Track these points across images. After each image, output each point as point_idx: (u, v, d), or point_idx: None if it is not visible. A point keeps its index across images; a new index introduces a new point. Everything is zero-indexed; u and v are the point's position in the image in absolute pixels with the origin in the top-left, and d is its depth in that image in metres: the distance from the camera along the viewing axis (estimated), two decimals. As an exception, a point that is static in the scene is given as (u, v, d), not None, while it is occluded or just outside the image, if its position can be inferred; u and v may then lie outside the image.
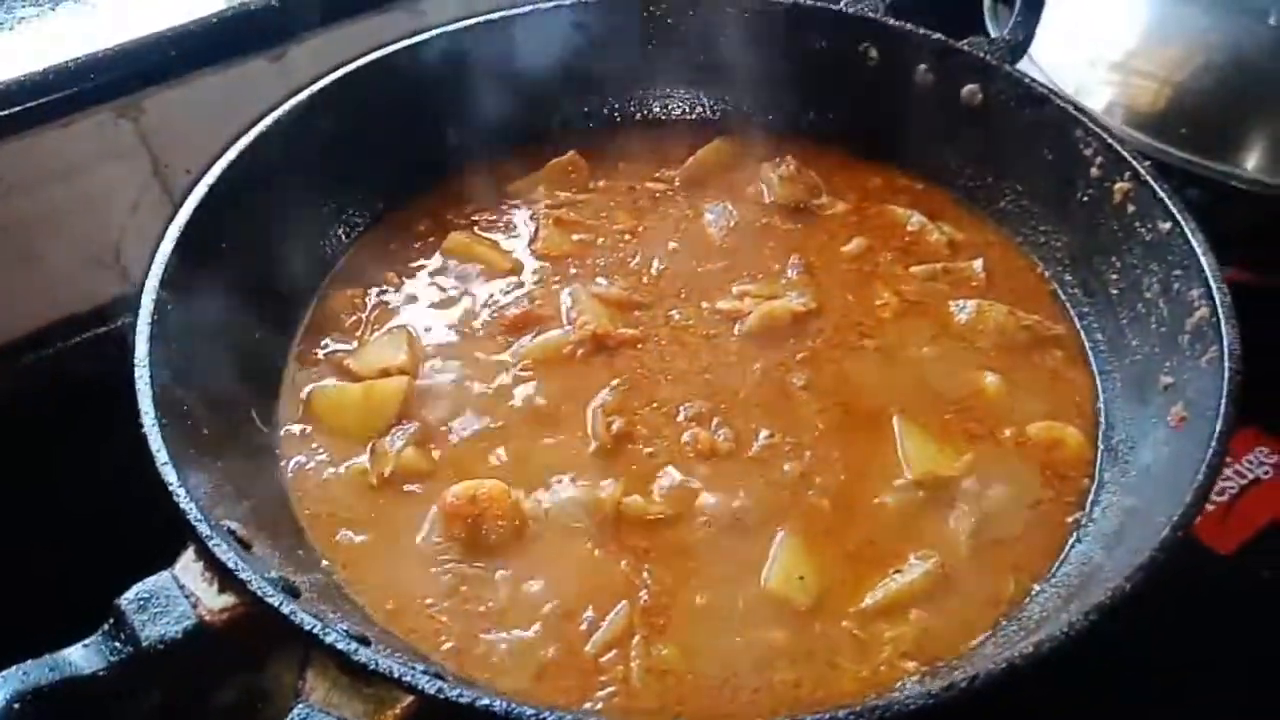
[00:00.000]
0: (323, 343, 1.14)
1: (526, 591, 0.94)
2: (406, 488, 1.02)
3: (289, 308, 1.16)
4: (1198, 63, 1.32)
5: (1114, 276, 1.13)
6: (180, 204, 1.05)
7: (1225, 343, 0.94)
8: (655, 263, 1.23)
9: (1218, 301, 0.97)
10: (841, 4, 1.32)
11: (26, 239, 1.34)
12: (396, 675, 0.73)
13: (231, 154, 1.10)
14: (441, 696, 0.73)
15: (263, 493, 0.98)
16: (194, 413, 0.95)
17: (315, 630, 0.75)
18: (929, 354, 1.13)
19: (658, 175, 1.34)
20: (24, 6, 1.40)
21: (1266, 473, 1.25)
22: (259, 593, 0.77)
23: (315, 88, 1.18)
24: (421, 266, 1.23)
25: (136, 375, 0.90)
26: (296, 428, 1.07)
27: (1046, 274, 1.21)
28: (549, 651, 0.91)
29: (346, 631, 0.77)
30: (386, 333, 1.15)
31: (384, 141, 1.26)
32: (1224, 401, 0.90)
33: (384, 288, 1.20)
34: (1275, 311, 1.06)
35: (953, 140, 1.29)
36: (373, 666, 0.74)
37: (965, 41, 1.27)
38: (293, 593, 0.83)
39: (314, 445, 1.05)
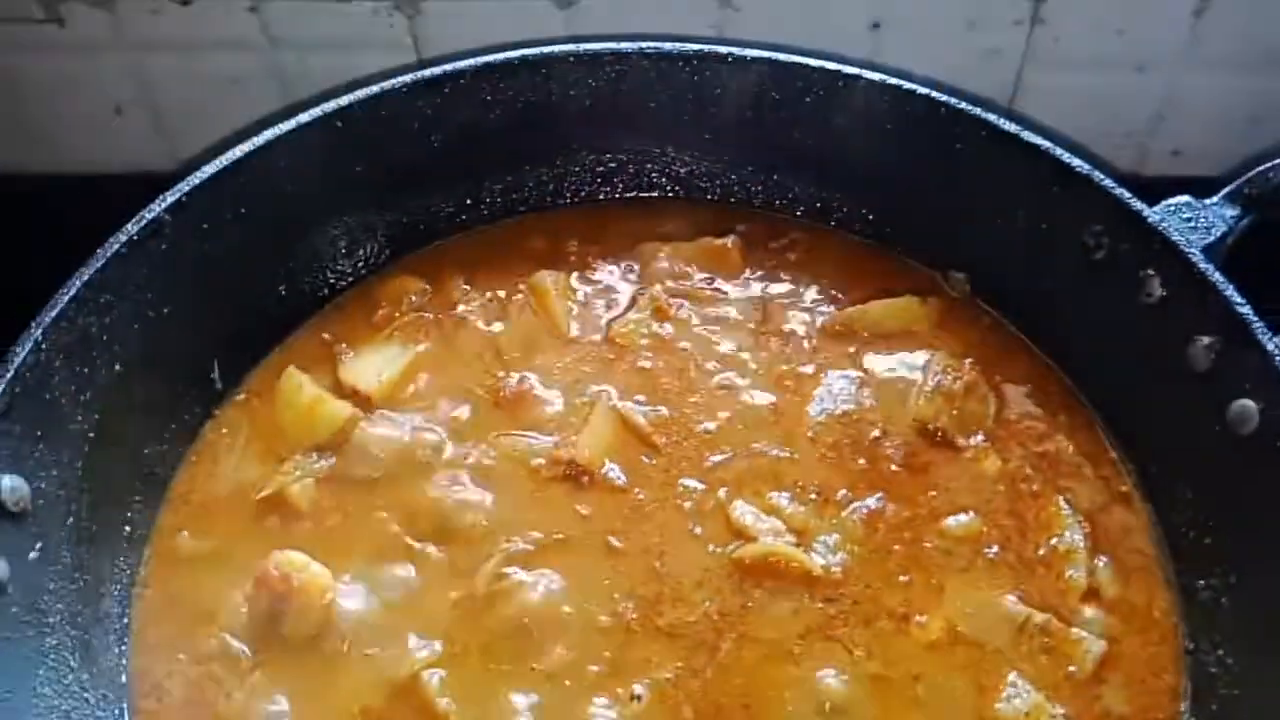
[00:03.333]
0: (340, 325, 1.05)
1: (262, 708, 0.81)
2: (273, 518, 0.92)
3: (337, 275, 1.08)
4: None
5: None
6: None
7: None
8: (720, 413, 0.97)
9: None
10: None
11: (282, 88, 1.39)
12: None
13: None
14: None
15: (142, 464, 0.93)
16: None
17: None
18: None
19: (811, 305, 1.06)
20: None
21: None
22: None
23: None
24: (497, 287, 1.08)
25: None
26: (244, 399, 1.00)
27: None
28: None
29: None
30: (395, 348, 1.03)
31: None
32: None
33: (439, 294, 1.07)
34: None
35: (1201, 458, 0.86)
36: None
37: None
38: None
39: (246, 422, 0.98)
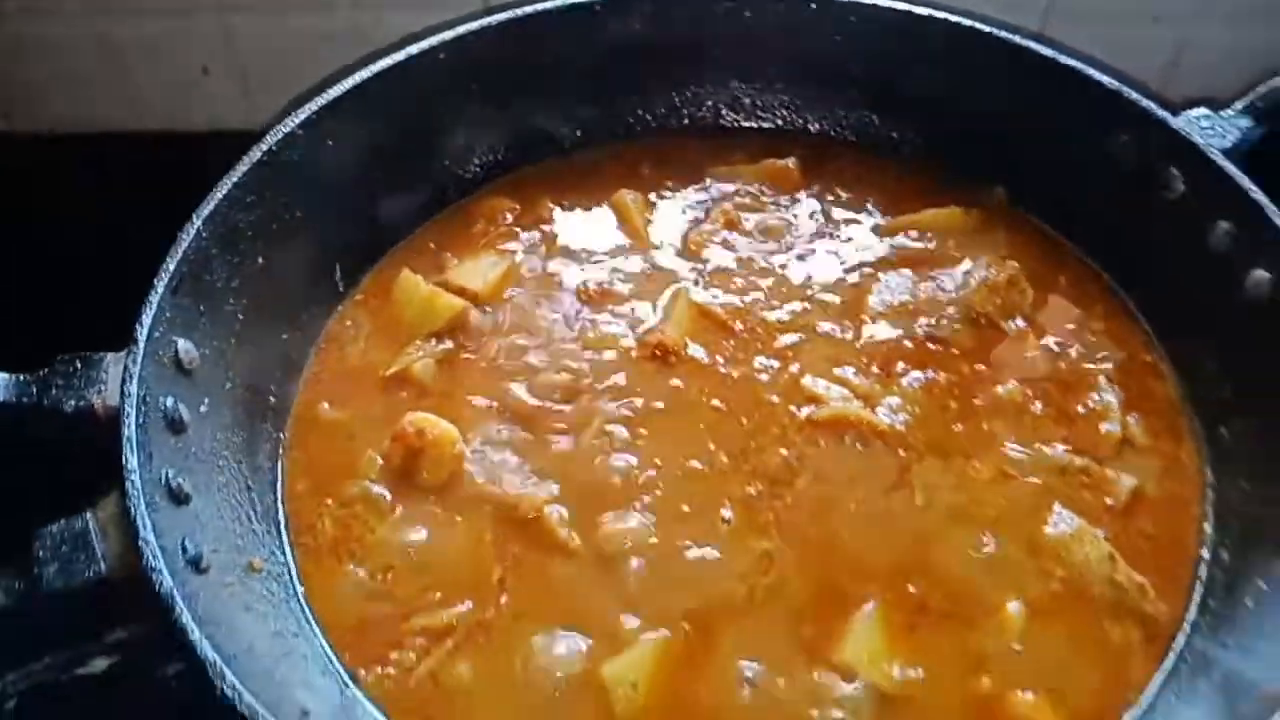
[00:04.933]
0: (444, 238, 1.17)
1: (404, 539, 0.93)
2: (401, 393, 1.04)
3: (439, 193, 1.20)
4: None
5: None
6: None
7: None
8: (787, 305, 1.10)
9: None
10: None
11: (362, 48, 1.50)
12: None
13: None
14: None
15: (281, 347, 1.05)
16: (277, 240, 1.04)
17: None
18: (978, 551, 0.90)
19: (865, 216, 1.18)
20: None
21: None
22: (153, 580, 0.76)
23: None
24: (583, 206, 1.21)
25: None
26: (362, 298, 1.12)
27: (1209, 540, 0.90)
28: (373, 605, 0.90)
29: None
30: (494, 257, 1.15)
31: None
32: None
33: (529, 212, 1.20)
34: None
35: (1222, 326, 0.99)
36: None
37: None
38: (195, 564, 0.82)
39: (367, 318, 1.10)
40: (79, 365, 0.89)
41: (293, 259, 1.07)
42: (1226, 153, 1.02)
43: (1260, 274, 0.94)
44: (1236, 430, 0.95)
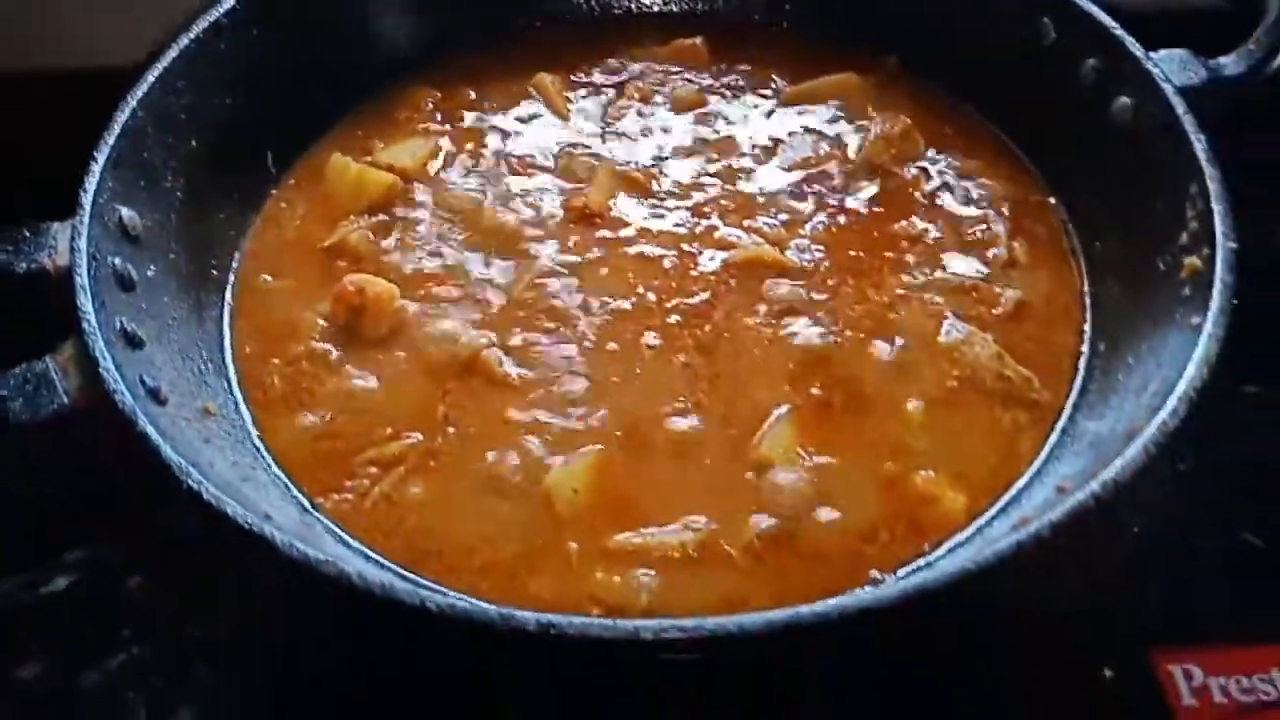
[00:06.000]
0: (370, 126, 1.22)
1: (352, 386, 0.99)
2: (339, 263, 1.09)
3: (362, 86, 1.25)
4: None
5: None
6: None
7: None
8: (700, 167, 1.17)
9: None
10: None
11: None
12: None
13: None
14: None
15: (220, 225, 1.10)
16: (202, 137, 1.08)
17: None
18: (884, 356, 0.99)
19: (770, 86, 1.26)
20: None
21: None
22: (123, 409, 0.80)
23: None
24: (503, 90, 1.26)
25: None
26: (295, 182, 1.17)
27: (1087, 337, 1.00)
28: (326, 442, 0.96)
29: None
30: (420, 139, 1.20)
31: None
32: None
33: (451, 99, 1.25)
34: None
35: (1090, 154, 1.08)
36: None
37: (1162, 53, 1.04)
38: (154, 395, 0.87)
39: (301, 198, 1.16)
40: (28, 233, 0.93)
41: (225, 143, 1.11)
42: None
43: (1124, 100, 1.04)
44: (1109, 242, 1.05)
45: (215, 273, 1.07)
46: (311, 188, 1.17)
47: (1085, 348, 1.00)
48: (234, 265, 1.10)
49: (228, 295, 1.07)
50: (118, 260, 0.93)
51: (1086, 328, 1.01)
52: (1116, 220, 1.04)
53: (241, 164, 1.14)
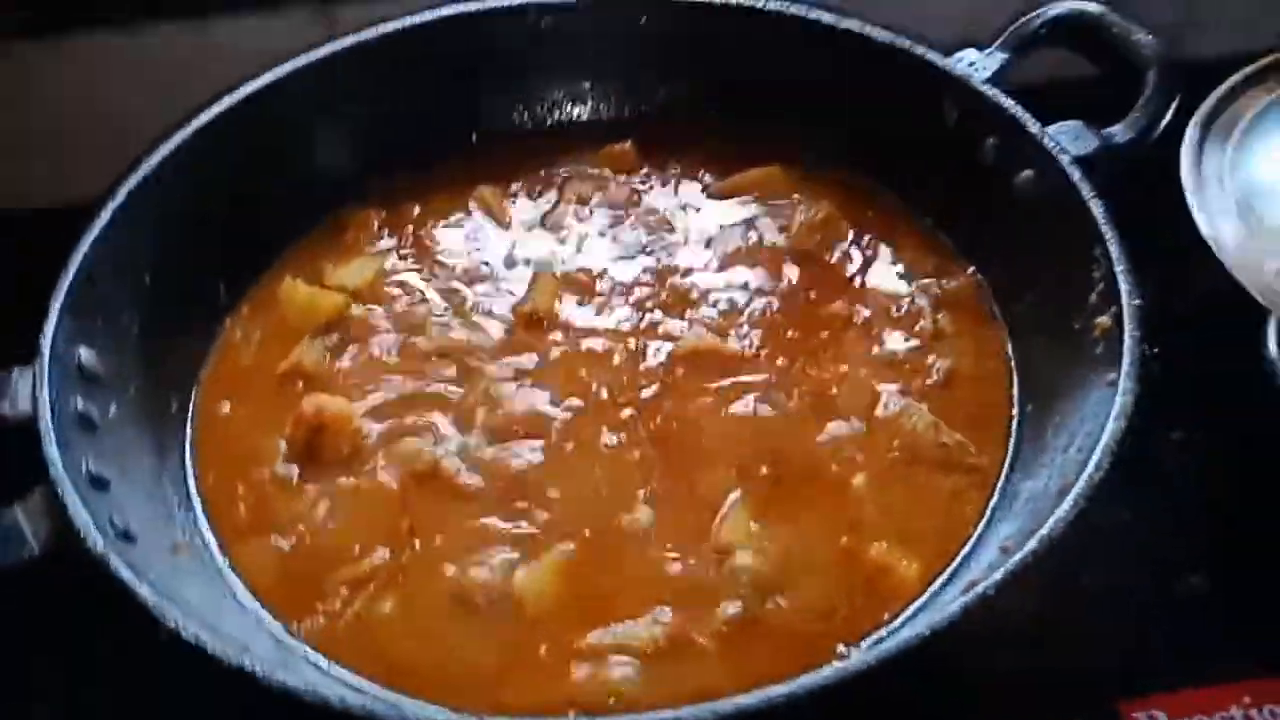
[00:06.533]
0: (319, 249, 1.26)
1: (317, 507, 1.01)
2: (296, 385, 1.12)
3: (310, 211, 1.29)
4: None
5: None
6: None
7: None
8: (639, 263, 1.23)
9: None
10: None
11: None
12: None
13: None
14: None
15: (176, 357, 1.13)
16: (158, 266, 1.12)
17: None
18: (828, 433, 1.04)
19: (699, 181, 1.32)
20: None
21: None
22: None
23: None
24: (445, 205, 1.31)
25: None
26: (249, 311, 1.20)
27: (1015, 398, 1.06)
28: (296, 564, 0.98)
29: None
30: (368, 258, 1.25)
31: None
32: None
33: (396, 216, 1.30)
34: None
35: (1000, 226, 1.16)
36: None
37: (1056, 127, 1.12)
38: (124, 535, 0.89)
39: (255, 326, 1.19)
40: (-14, 379, 0.95)
41: (178, 278, 1.15)
42: (988, 82, 1.19)
43: (1027, 173, 1.12)
44: (1027, 305, 1.11)
45: (175, 405, 1.10)
46: (265, 314, 1.20)
47: (1015, 409, 1.06)
48: (193, 396, 1.12)
49: (188, 426, 1.10)
50: (79, 402, 0.95)
51: (1014, 390, 1.07)
52: (1032, 286, 1.12)
53: (195, 296, 1.17)
